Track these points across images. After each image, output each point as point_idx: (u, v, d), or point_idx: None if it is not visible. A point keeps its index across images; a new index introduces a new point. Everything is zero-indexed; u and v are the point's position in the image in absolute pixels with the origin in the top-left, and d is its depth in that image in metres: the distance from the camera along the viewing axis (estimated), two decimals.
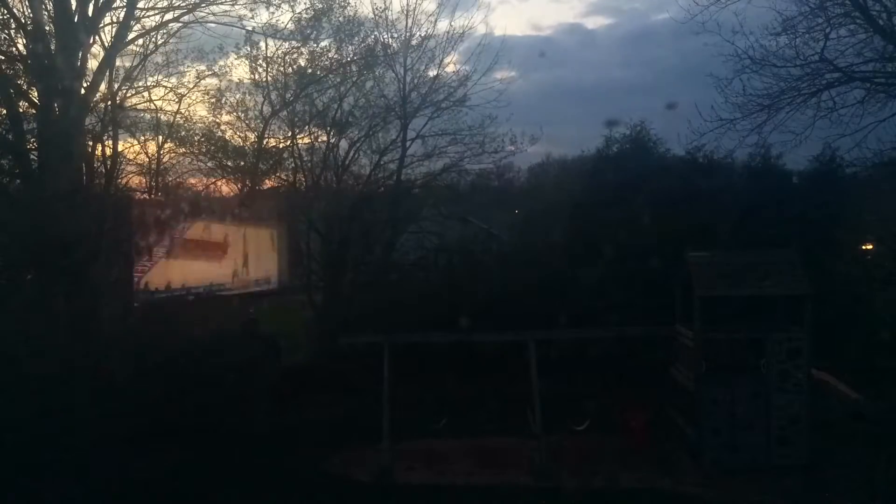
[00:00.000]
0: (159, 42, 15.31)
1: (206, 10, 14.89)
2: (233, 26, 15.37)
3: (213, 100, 16.51)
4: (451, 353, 12.40)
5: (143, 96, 15.83)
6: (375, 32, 16.54)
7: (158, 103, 16.02)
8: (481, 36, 23.39)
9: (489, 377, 12.45)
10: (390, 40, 16.64)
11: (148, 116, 16.27)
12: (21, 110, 12.93)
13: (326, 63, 16.38)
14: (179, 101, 16.18)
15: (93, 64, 13.69)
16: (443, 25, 18.69)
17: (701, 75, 12.33)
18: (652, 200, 15.06)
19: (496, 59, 16.87)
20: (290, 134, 16.83)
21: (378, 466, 10.22)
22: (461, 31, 16.87)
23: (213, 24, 15.20)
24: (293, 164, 17.05)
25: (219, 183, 17.20)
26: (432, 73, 16.78)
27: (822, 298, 10.58)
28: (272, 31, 15.85)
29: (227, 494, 9.31)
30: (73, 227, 11.60)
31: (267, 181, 17.67)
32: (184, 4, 14.62)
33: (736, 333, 10.37)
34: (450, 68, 17.07)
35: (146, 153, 16.70)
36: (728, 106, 12.27)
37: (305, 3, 15.80)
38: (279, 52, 16.37)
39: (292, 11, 15.68)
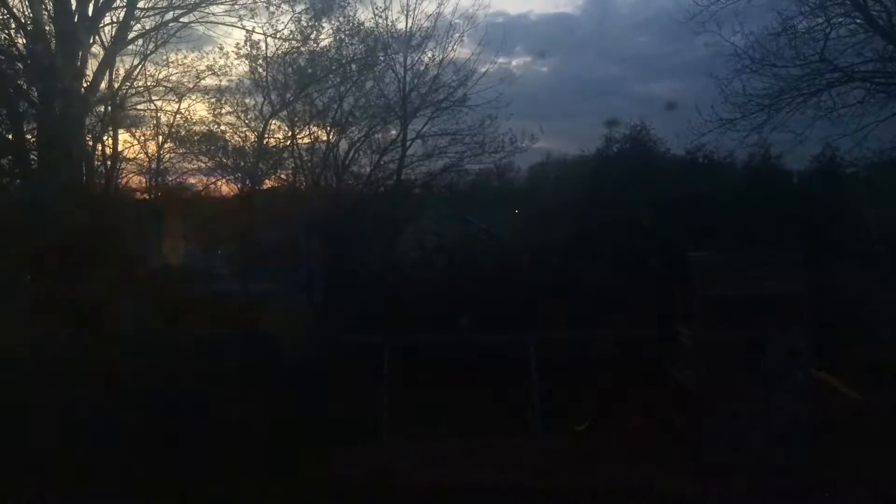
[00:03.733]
0: (159, 42, 15.33)
1: (207, 10, 14.93)
2: (233, 26, 15.41)
3: (213, 100, 16.51)
4: (452, 352, 12.40)
5: (143, 96, 15.85)
6: (375, 32, 16.53)
7: (158, 103, 16.04)
8: (487, 18, 23.16)
9: (489, 377, 12.44)
10: (390, 40, 16.62)
11: (148, 116, 16.29)
12: (21, 110, 12.94)
13: (326, 63, 16.36)
14: (179, 101, 16.20)
15: (93, 64, 13.72)
16: (446, 15, 18.47)
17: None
18: (652, 200, 15.06)
19: (496, 57, 16.85)
20: (290, 134, 16.82)
21: (378, 466, 10.22)
22: (464, 27, 16.84)
23: (213, 25, 15.23)
24: (293, 164, 17.05)
25: (219, 183, 17.21)
26: (433, 71, 16.76)
27: (822, 298, 10.57)
28: (272, 31, 15.85)
29: (227, 494, 9.30)
30: (73, 227, 11.60)
31: (267, 181, 17.68)
32: (184, 4, 14.65)
33: (736, 333, 10.37)
34: (457, 55, 16.94)
35: (146, 153, 16.71)
36: (728, 106, 12.33)
37: (305, 4, 15.79)
38: (279, 52, 16.37)
39: (292, 11, 15.68)
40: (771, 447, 10.02)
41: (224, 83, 16.49)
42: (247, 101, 16.69)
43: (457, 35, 16.79)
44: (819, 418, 10.26)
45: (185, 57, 15.90)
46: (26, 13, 12.92)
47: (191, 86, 16.17)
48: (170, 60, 15.70)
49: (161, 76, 15.80)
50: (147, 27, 14.81)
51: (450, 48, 16.76)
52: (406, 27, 16.73)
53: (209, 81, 16.35)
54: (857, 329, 12.70)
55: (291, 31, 15.91)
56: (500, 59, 16.58)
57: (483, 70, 16.74)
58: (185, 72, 16.05)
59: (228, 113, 16.71)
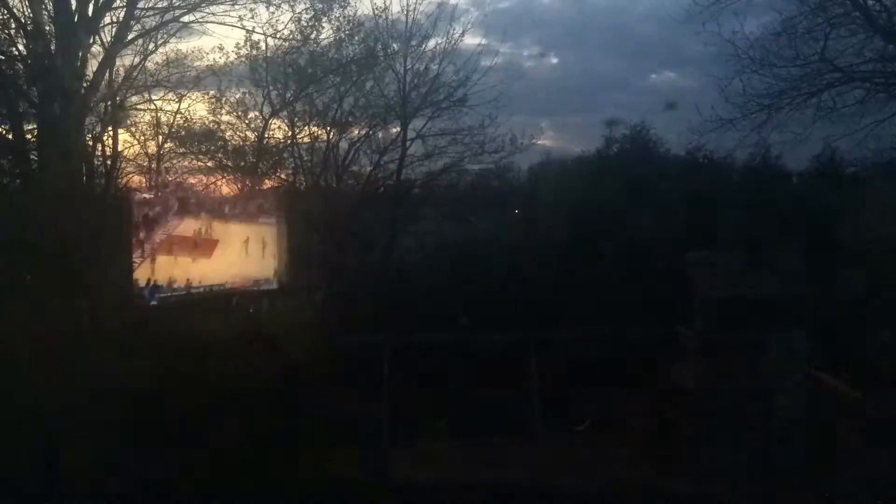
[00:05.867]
0: (159, 42, 15.30)
1: (207, 10, 14.87)
2: (233, 26, 15.36)
3: (213, 99, 16.47)
4: (452, 353, 12.40)
5: (143, 96, 15.80)
6: (375, 32, 16.52)
7: (158, 103, 15.98)
8: (492, 4, 22.76)
9: (489, 377, 12.45)
10: (390, 40, 16.61)
11: (148, 116, 16.25)
12: (21, 110, 12.93)
13: (326, 63, 16.34)
14: (179, 101, 16.15)
15: (93, 64, 13.68)
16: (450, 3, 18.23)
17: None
18: (652, 200, 15.08)
19: (501, 47, 16.74)
20: (290, 134, 16.81)
21: (378, 466, 10.22)
22: (468, 15, 16.80)
23: (213, 24, 15.21)
24: (293, 164, 17.03)
25: (219, 182, 17.17)
26: (433, 70, 16.72)
27: (822, 298, 10.58)
28: (272, 31, 15.82)
29: (227, 495, 9.30)
30: (73, 227, 11.60)
31: (267, 181, 17.65)
32: (184, 4, 14.59)
33: (736, 333, 10.37)
34: (461, 45, 16.82)
35: (146, 153, 16.67)
36: (728, 106, 12.31)
37: (305, 3, 15.76)
38: (279, 52, 16.35)
39: (292, 11, 15.65)
40: (771, 447, 10.03)
41: (224, 83, 16.46)
42: (247, 101, 16.67)
43: (458, 30, 16.72)
44: (819, 418, 10.27)
45: (186, 57, 15.87)
46: (26, 13, 12.89)
47: (191, 86, 16.13)
48: (170, 60, 15.66)
49: (161, 76, 15.77)
50: (147, 27, 14.77)
51: (452, 40, 16.67)
52: (406, 26, 16.73)
53: (209, 81, 16.32)
54: (857, 329, 12.71)
55: (291, 31, 15.88)
56: (507, 50, 16.49)
57: (487, 64, 16.63)
58: (184, 72, 16.01)
59: (228, 113, 16.69)
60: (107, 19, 14.01)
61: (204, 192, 17.05)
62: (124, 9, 13.88)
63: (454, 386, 12.45)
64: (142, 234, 13.32)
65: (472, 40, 17.66)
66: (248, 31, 15.60)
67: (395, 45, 16.61)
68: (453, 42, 16.71)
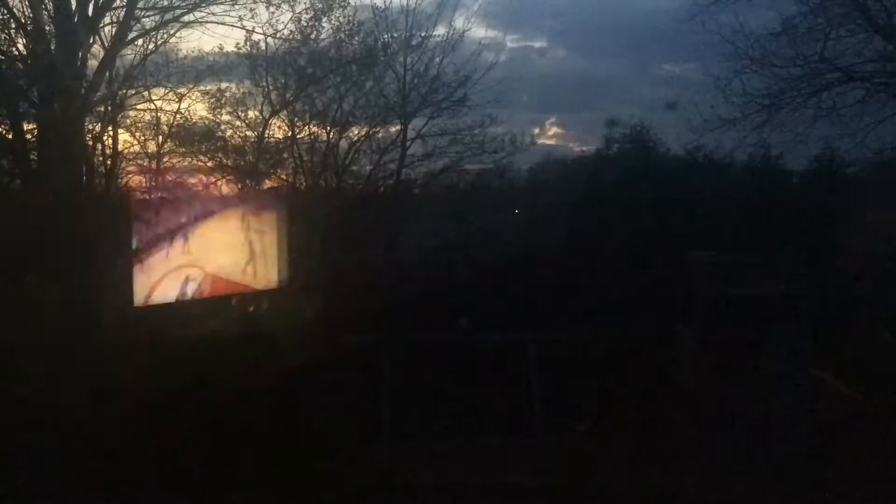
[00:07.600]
0: (159, 42, 15.31)
1: (206, 10, 14.90)
2: (233, 26, 15.38)
3: (213, 99, 16.49)
4: (451, 353, 12.40)
5: (143, 96, 15.81)
6: (375, 32, 16.55)
7: (158, 103, 15.99)
8: None
9: (489, 377, 12.44)
10: (390, 40, 16.64)
11: (148, 116, 16.25)
12: (21, 110, 12.94)
13: (326, 63, 16.37)
14: (179, 101, 16.16)
15: (93, 64, 13.70)
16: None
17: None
18: (652, 200, 15.10)
19: (505, 39, 16.80)
20: (290, 134, 16.83)
21: (378, 466, 10.22)
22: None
23: (213, 24, 15.22)
24: (293, 164, 17.06)
25: (219, 182, 17.18)
26: (433, 71, 16.75)
27: (822, 298, 10.59)
28: (272, 31, 15.85)
29: (227, 494, 9.30)
30: (72, 227, 11.61)
31: (267, 181, 17.67)
32: (184, 4, 14.61)
33: (736, 333, 10.37)
34: (464, 37, 16.81)
35: (146, 153, 16.67)
36: (728, 106, 12.33)
37: (305, 3, 15.79)
38: (279, 52, 16.37)
39: (292, 11, 15.68)
40: (771, 447, 10.03)
41: (224, 83, 16.48)
42: (247, 100, 16.69)
43: (460, 25, 16.73)
44: (819, 418, 10.27)
45: (186, 57, 15.89)
46: (26, 13, 12.90)
47: (191, 85, 16.14)
48: (170, 60, 15.67)
49: (161, 76, 15.77)
50: (147, 27, 14.79)
51: (453, 39, 16.68)
52: (406, 25, 16.76)
53: (209, 81, 16.33)
54: (857, 329, 12.71)
55: (291, 31, 15.91)
56: (509, 44, 16.60)
57: (488, 59, 16.69)
58: (185, 72, 16.02)
59: (228, 113, 16.71)
60: (107, 19, 14.04)
61: (204, 192, 17.06)
62: (124, 9, 13.90)
63: (454, 385, 12.45)
64: (141, 234, 13.29)
65: (473, 35, 17.71)
66: (248, 31, 15.65)
67: (395, 45, 16.67)
68: (453, 41, 16.79)
